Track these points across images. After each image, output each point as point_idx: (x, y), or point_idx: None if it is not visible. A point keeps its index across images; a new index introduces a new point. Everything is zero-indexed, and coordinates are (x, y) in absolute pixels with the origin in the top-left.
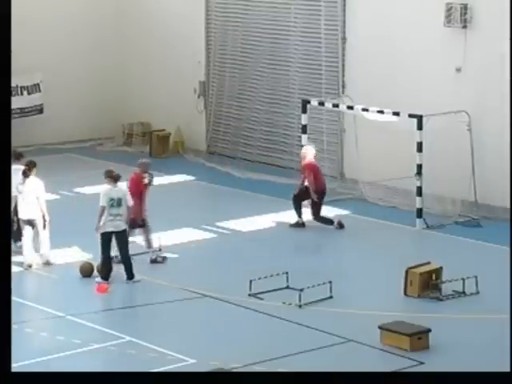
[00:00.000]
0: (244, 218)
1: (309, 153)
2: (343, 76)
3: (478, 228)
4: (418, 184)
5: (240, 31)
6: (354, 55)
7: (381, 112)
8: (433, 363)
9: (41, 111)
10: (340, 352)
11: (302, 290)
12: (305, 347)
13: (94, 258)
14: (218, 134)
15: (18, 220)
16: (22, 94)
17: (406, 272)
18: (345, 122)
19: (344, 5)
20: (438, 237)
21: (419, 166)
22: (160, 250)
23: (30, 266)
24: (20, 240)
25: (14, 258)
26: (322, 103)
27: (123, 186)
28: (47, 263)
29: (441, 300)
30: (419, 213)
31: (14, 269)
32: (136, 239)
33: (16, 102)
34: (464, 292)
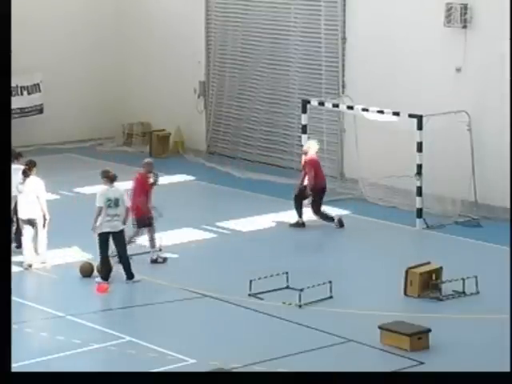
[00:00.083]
0: (244, 218)
1: (312, 148)
2: (343, 76)
3: (478, 228)
4: (418, 184)
5: (240, 31)
6: (354, 55)
7: (381, 112)
8: (433, 363)
9: (41, 111)
10: (340, 352)
11: (302, 290)
12: (305, 347)
13: (94, 258)
14: (218, 134)
15: (18, 220)
16: (22, 94)
17: (406, 272)
18: (345, 122)
19: (344, 5)
20: (438, 237)
21: (419, 166)
22: (160, 250)
23: (30, 266)
24: (20, 246)
25: (13, 258)
26: (322, 103)
27: (120, 186)
28: (43, 263)
29: (441, 300)
30: (419, 213)
31: (14, 269)
32: (137, 239)
33: (16, 102)
34: (464, 292)
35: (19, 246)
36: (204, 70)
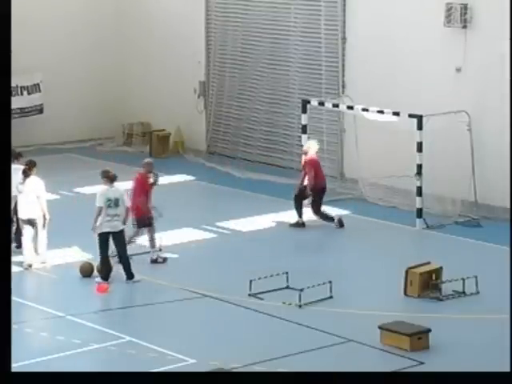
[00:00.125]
0: (244, 218)
1: (312, 148)
2: (343, 76)
3: (478, 228)
4: (418, 184)
5: (240, 31)
6: (354, 55)
7: (381, 112)
8: (433, 363)
9: (41, 111)
10: (340, 352)
11: (302, 290)
12: (305, 347)
13: (94, 258)
14: (218, 134)
15: (18, 220)
16: (22, 94)
17: (406, 272)
18: (345, 122)
19: (344, 5)
20: (438, 237)
21: (419, 166)
22: (160, 250)
23: (30, 266)
24: (20, 246)
25: (13, 258)
26: (322, 103)
27: (120, 186)
28: (43, 263)
29: (441, 300)
30: (419, 213)
31: (14, 269)
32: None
33: (16, 102)
34: (464, 292)
35: (19, 245)
36: (204, 70)
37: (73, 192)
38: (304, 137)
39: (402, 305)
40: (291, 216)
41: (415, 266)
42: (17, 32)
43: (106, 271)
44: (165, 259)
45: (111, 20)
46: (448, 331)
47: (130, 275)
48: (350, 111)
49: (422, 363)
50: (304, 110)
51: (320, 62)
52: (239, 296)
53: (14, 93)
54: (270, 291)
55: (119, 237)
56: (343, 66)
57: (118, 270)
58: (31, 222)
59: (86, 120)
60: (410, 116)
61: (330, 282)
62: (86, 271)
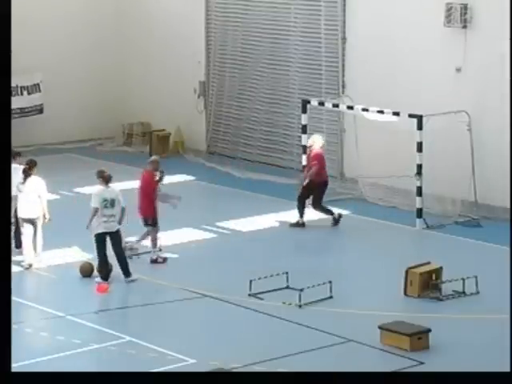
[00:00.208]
0: (244, 218)
1: (317, 142)
2: (343, 76)
3: (478, 228)
4: (418, 184)
5: (240, 31)
6: (354, 55)
7: (381, 112)
8: (433, 363)
9: (41, 111)
10: (340, 352)
11: (302, 290)
12: (305, 347)
13: (94, 258)
14: (218, 134)
15: (17, 221)
16: (22, 94)
17: (406, 272)
18: (345, 122)
19: (344, 5)
20: (438, 237)
21: (419, 166)
22: (160, 250)
23: (30, 266)
24: (19, 246)
25: (13, 258)
26: (322, 103)
27: (116, 186)
28: (39, 262)
29: (441, 300)
30: (419, 213)
31: (14, 269)
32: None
33: (16, 102)
34: (464, 292)
35: (18, 245)
36: (204, 70)
37: (73, 192)
38: (304, 137)
39: (401, 305)
40: (291, 216)
41: (415, 266)
42: (17, 32)
43: (105, 271)
44: (165, 259)
45: (111, 20)
46: (448, 331)
47: (127, 273)
48: (350, 111)
49: (422, 363)
50: (304, 110)
51: (320, 62)
52: (239, 296)
53: (14, 93)
54: (270, 291)
55: (116, 237)
56: (343, 65)
57: (117, 270)
58: (31, 222)
59: (85, 120)
60: (410, 116)
61: (330, 282)
62: (86, 271)
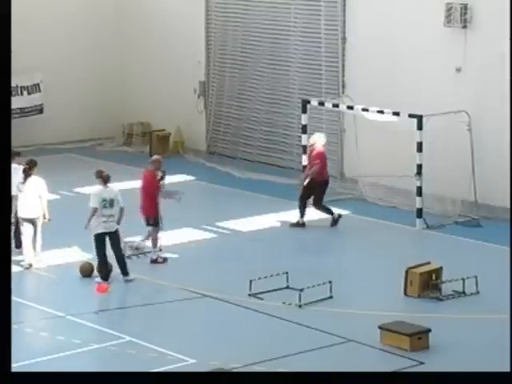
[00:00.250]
0: (244, 218)
1: (319, 141)
2: (343, 76)
3: (478, 228)
4: (418, 184)
5: (240, 31)
6: (354, 55)
7: (381, 112)
8: (433, 363)
9: (41, 111)
10: (340, 352)
11: (302, 290)
12: (305, 347)
13: (94, 257)
14: (218, 134)
15: (17, 221)
16: (22, 94)
17: (406, 272)
18: (345, 122)
19: (344, 5)
20: (438, 237)
21: (419, 166)
22: (160, 250)
23: (30, 266)
24: (18, 246)
25: (13, 258)
26: (322, 103)
27: (115, 186)
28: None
29: (441, 300)
30: (419, 213)
31: (14, 269)
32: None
33: (16, 102)
34: (464, 292)
35: (18, 245)
36: (204, 70)
37: (73, 192)
38: (304, 137)
39: (402, 305)
40: (291, 216)
41: (415, 266)
42: (17, 32)
43: (105, 271)
44: (165, 259)
45: (111, 20)
46: (448, 331)
47: (125, 273)
48: (350, 111)
49: (422, 363)
50: (304, 110)
51: (320, 62)
52: (239, 296)
53: (14, 93)
54: (270, 291)
55: (114, 236)
56: (343, 65)
57: (117, 270)
58: (31, 221)
59: (86, 120)
60: (410, 116)
61: (330, 282)
62: (86, 271)
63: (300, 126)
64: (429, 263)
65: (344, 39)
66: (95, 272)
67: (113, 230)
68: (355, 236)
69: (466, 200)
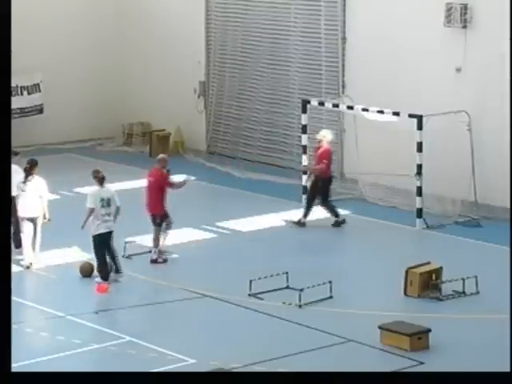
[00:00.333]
0: (244, 218)
1: (326, 137)
2: (343, 76)
3: (478, 228)
4: (418, 184)
5: (240, 31)
6: (354, 55)
7: (381, 112)
8: (433, 363)
9: (41, 111)
10: (340, 352)
11: (302, 290)
12: (305, 347)
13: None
14: (218, 134)
15: (16, 220)
16: (22, 94)
17: (406, 272)
18: (345, 122)
19: (344, 5)
20: (438, 237)
21: (419, 166)
22: (165, 252)
23: (30, 265)
24: (18, 246)
25: (13, 258)
26: (322, 103)
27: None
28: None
29: (441, 300)
30: (419, 213)
31: (14, 269)
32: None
33: (16, 102)
34: (464, 292)
35: (17, 245)
36: (204, 70)
37: (73, 192)
38: (304, 137)
39: (402, 305)
40: (291, 216)
41: (415, 266)
42: (17, 32)
43: (105, 271)
44: (165, 260)
45: (111, 20)
46: (448, 331)
47: (117, 270)
48: (350, 111)
49: (422, 363)
50: (304, 110)
51: (320, 62)
52: (239, 296)
53: (14, 93)
54: (270, 291)
55: (111, 236)
56: (343, 65)
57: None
58: (32, 221)
59: (86, 120)
60: (410, 116)
61: (330, 282)
62: (86, 271)
63: (300, 126)
64: (429, 263)
65: (344, 39)
66: (95, 272)
67: (113, 229)
68: (355, 236)
69: (466, 200)
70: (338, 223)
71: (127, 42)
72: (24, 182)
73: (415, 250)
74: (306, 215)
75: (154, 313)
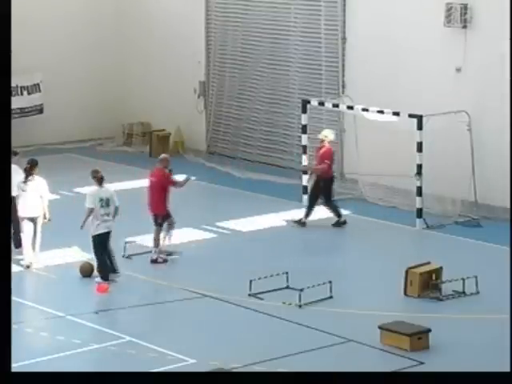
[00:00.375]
0: (244, 218)
1: (328, 136)
2: (343, 76)
3: (478, 228)
4: (418, 184)
5: (240, 31)
6: (354, 55)
7: (381, 112)
8: (433, 363)
9: (41, 111)
10: (340, 352)
11: (302, 290)
12: (305, 347)
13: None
14: (218, 134)
15: (16, 220)
16: (22, 94)
17: (406, 272)
18: (345, 122)
19: (344, 5)
20: (438, 237)
21: (419, 166)
22: (168, 254)
23: (30, 264)
24: (18, 246)
25: (13, 258)
26: (322, 103)
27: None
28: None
29: (441, 300)
30: (419, 213)
31: (14, 269)
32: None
33: (16, 102)
34: (464, 292)
35: (17, 245)
36: (204, 70)
37: (73, 192)
38: (304, 137)
39: (402, 305)
40: (291, 216)
41: (415, 266)
42: (17, 32)
43: (105, 271)
44: (165, 260)
45: (111, 20)
46: (448, 331)
47: (114, 270)
48: (350, 111)
49: (422, 363)
50: (304, 110)
51: (320, 62)
52: (239, 296)
53: (14, 93)
54: (270, 291)
55: (109, 236)
56: (343, 65)
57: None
58: (32, 220)
59: (86, 120)
60: (410, 116)
61: (330, 282)
62: (86, 271)
63: (300, 126)
64: (429, 263)
65: (344, 39)
66: (95, 272)
67: (112, 228)
68: (355, 236)
69: (466, 200)
70: (339, 223)
71: (127, 42)
72: (24, 182)
73: (415, 250)
74: (307, 215)
75: (154, 313)
